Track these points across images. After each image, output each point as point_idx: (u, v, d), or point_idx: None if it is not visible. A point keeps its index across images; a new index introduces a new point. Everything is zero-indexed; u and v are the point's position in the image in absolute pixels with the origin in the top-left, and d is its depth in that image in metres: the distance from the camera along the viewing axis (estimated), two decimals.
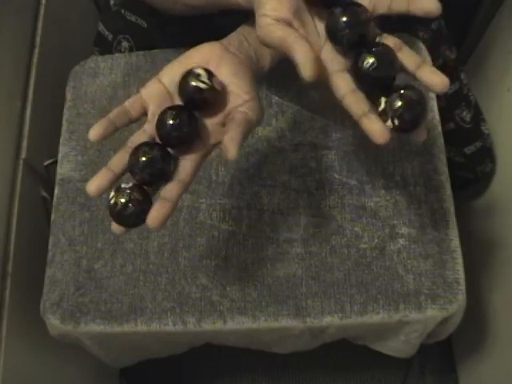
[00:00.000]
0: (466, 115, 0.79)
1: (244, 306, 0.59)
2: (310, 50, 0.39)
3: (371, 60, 0.40)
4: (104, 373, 1.03)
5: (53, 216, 0.66)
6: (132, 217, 0.42)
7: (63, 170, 0.68)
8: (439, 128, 0.65)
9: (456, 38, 0.80)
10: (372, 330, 0.63)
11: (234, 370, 1.12)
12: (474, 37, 0.91)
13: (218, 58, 0.47)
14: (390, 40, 0.42)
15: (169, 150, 0.44)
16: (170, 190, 0.43)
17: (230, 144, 0.41)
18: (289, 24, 0.42)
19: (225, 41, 0.49)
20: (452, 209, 0.62)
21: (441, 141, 0.65)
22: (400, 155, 0.64)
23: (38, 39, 0.77)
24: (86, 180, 0.67)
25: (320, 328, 0.60)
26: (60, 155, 0.69)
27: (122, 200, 0.42)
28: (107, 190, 0.44)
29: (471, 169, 0.83)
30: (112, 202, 0.43)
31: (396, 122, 0.40)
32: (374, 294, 0.59)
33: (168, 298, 0.60)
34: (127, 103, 0.46)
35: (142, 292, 0.61)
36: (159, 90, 0.47)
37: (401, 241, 0.61)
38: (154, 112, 0.46)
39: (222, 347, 0.70)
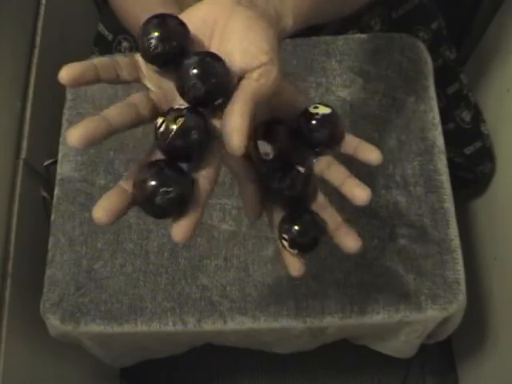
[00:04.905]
0: (466, 115, 0.79)
1: (244, 306, 0.59)
2: None
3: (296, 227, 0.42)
4: (104, 373, 1.03)
5: (53, 216, 0.66)
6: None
7: (63, 170, 0.68)
8: (439, 128, 0.65)
9: (456, 38, 0.80)
10: (372, 330, 0.63)
11: (234, 370, 1.12)
12: (473, 37, 0.91)
13: (229, 11, 0.38)
14: (323, 160, 0.44)
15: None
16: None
17: (234, 132, 0.34)
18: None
19: None
20: (452, 209, 0.62)
21: (441, 141, 0.64)
22: (400, 155, 0.64)
23: (38, 39, 0.77)
24: (86, 180, 0.67)
25: (320, 328, 0.60)
26: (60, 155, 0.69)
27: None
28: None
29: (471, 169, 0.83)
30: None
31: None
32: (374, 294, 0.59)
33: (168, 298, 0.60)
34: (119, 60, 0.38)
35: (141, 292, 0.61)
36: None
37: (401, 241, 0.61)
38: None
39: (221, 347, 0.70)
